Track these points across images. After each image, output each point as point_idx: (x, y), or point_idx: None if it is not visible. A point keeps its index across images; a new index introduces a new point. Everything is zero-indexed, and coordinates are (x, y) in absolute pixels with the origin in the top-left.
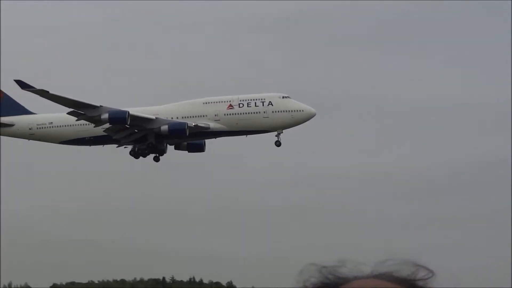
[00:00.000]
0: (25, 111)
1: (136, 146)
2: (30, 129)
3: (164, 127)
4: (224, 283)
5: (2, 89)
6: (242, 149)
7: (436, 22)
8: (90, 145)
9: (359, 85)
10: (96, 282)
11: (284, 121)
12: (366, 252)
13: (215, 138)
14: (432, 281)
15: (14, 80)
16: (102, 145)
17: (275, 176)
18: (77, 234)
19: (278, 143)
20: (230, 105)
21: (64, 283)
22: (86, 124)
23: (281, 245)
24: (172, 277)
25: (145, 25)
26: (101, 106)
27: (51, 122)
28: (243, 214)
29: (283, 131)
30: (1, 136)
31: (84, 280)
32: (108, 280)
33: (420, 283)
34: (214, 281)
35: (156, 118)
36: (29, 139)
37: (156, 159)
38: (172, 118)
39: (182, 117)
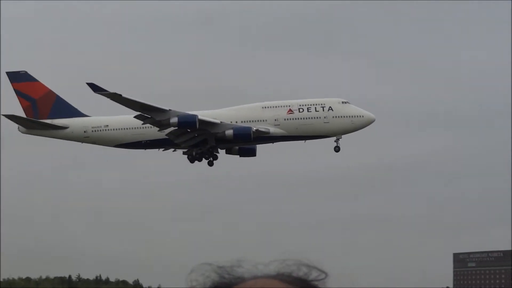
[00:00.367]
0: (78, 113)
1: (193, 150)
2: (85, 132)
3: (229, 132)
4: (130, 281)
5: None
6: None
7: None
8: (145, 149)
9: None
10: (1, 280)
11: (344, 127)
12: (265, 252)
13: (272, 143)
14: (326, 282)
15: (87, 83)
16: (144, 149)
17: None
18: None
19: (337, 149)
20: (290, 110)
21: None
22: (143, 128)
23: (194, 246)
24: (78, 275)
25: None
26: (170, 110)
27: (107, 125)
28: (149, 215)
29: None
30: (53, 139)
31: None
32: (13, 278)
33: (314, 284)
34: (121, 279)
35: (221, 122)
36: (82, 142)
37: (210, 164)
38: (231, 122)
39: (242, 122)
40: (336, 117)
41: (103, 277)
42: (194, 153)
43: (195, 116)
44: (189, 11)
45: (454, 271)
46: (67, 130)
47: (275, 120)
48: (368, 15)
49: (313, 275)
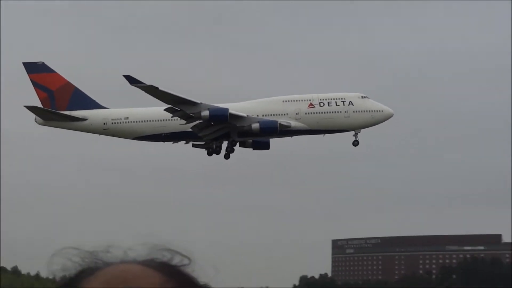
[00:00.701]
0: (97, 105)
1: (214, 143)
2: (104, 123)
3: (256, 125)
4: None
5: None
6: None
7: None
8: (164, 141)
9: None
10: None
11: (365, 121)
12: (133, 238)
13: (291, 136)
14: (190, 267)
15: (123, 76)
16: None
17: None
18: None
19: (356, 143)
20: (311, 104)
21: None
22: (164, 120)
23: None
24: None
25: None
26: (201, 103)
27: (127, 117)
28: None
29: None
30: (71, 131)
31: None
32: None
33: (178, 269)
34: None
35: (247, 116)
36: (100, 134)
37: (227, 157)
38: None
39: (263, 115)
40: (356, 111)
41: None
42: (214, 146)
43: (226, 109)
44: None
45: (332, 258)
46: (86, 122)
47: (296, 114)
48: None
49: (177, 260)
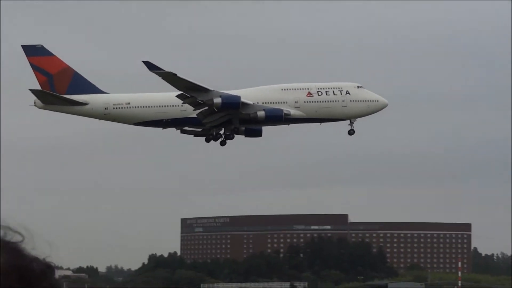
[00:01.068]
0: (97, 90)
1: (214, 130)
2: (105, 108)
3: (261, 113)
4: None
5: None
6: None
7: None
8: (163, 128)
9: None
10: None
11: (361, 110)
12: None
13: (288, 124)
14: (27, 244)
15: (143, 61)
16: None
17: None
18: None
19: (352, 132)
20: (309, 93)
21: None
22: (165, 106)
23: None
24: None
25: None
26: (213, 90)
27: (129, 103)
28: None
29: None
30: (69, 115)
31: None
32: None
33: (10, 244)
34: None
35: (253, 103)
36: (101, 119)
37: (223, 143)
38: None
39: (262, 103)
40: (353, 101)
41: None
42: (214, 133)
43: (239, 97)
44: None
45: (181, 236)
46: (87, 106)
47: (296, 102)
48: None
49: (10, 236)
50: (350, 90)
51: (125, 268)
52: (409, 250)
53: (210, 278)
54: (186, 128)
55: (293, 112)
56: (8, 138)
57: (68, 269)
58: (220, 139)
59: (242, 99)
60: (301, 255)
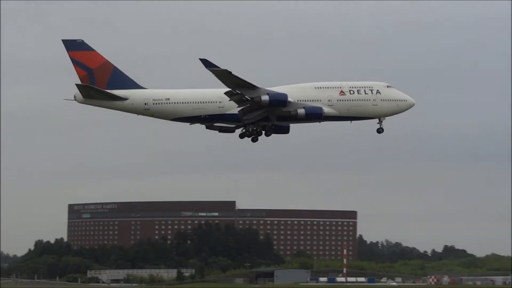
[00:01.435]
0: (136, 85)
1: (250, 126)
2: (145, 104)
3: (301, 111)
4: None
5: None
6: None
7: None
8: (202, 123)
9: None
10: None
11: (390, 109)
12: None
13: (319, 122)
14: None
15: (200, 59)
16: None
17: None
18: None
19: (381, 130)
20: (342, 91)
21: None
22: (204, 102)
23: None
24: None
25: None
26: (261, 87)
27: (168, 98)
28: None
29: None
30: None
31: None
32: None
33: None
34: None
35: (293, 101)
36: (139, 114)
37: (255, 140)
38: None
39: (298, 101)
40: (383, 100)
41: None
42: (251, 129)
43: (285, 95)
44: None
45: (68, 222)
46: (127, 101)
47: (329, 100)
48: None
49: None
50: (380, 89)
51: (11, 254)
52: (295, 237)
53: (97, 265)
54: (219, 124)
55: (327, 110)
56: None
57: None
58: (249, 136)
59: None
60: (189, 242)
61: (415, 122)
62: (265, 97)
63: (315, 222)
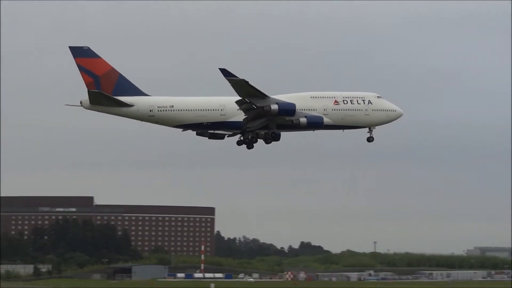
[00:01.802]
0: (140, 92)
1: (250, 134)
2: (150, 111)
3: (303, 120)
4: None
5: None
6: None
7: None
8: (202, 130)
9: None
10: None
11: (380, 119)
12: None
13: (313, 131)
14: None
15: (219, 69)
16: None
17: None
18: None
19: (371, 139)
20: (336, 101)
21: None
22: (206, 110)
23: None
24: None
25: None
26: (270, 97)
27: (172, 106)
28: None
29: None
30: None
31: None
32: None
33: None
34: None
35: (297, 110)
36: (143, 121)
37: (250, 147)
38: None
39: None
40: (374, 110)
41: None
42: (250, 137)
43: (294, 104)
44: None
45: None
46: (133, 108)
47: (324, 109)
48: None
49: None
50: (372, 99)
51: None
52: (153, 233)
53: None
54: (212, 131)
55: (325, 119)
56: None
57: None
58: (247, 143)
59: None
60: (46, 237)
61: None
62: (274, 106)
63: (173, 218)
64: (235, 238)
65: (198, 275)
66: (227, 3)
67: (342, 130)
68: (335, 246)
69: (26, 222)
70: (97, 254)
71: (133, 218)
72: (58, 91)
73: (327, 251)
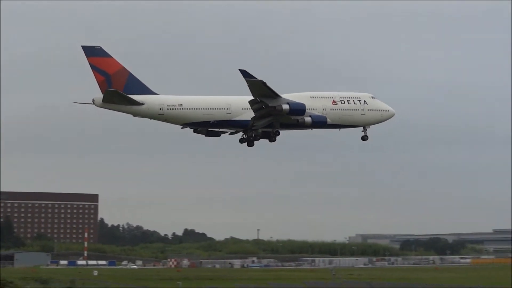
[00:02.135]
0: (149, 91)
1: (254, 132)
2: (160, 109)
3: (308, 119)
4: None
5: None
6: None
7: None
8: (208, 128)
9: None
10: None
11: (375, 119)
12: None
13: (311, 129)
14: None
15: (239, 70)
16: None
17: None
18: None
19: (365, 137)
20: (334, 101)
21: None
22: (213, 109)
23: None
24: None
25: None
26: (281, 97)
27: (181, 104)
28: None
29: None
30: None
31: None
32: None
33: None
34: None
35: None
36: (152, 119)
37: (251, 145)
38: None
39: None
40: (370, 110)
41: None
42: (254, 135)
43: (304, 104)
44: None
45: None
46: (143, 106)
47: (323, 109)
48: None
49: None
50: (367, 100)
51: None
52: (36, 220)
53: None
54: (213, 129)
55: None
56: None
57: None
58: (248, 141)
59: None
60: None
61: None
62: (285, 106)
63: (56, 205)
64: (118, 225)
65: (81, 262)
66: (224, 3)
67: (338, 129)
68: (218, 234)
69: None
70: None
71: (16, 204)
72: None
73: (211, 238)
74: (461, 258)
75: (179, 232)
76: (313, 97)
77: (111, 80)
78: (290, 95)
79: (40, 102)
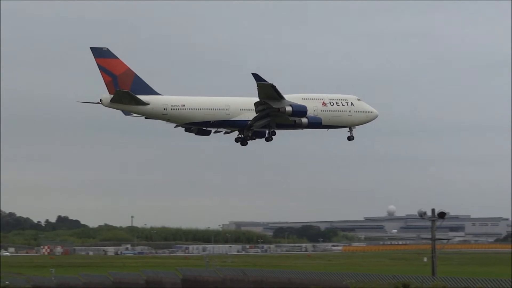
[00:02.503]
0: (153, 92)
1: (247, 132)
2: (164, 109)
3: (305, 120)
4: None
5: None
6: None
7: None
8: (207, 127)
9: None
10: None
11: (360, 120)
12: None
13: (302, 129)
14: None
15: (252, 74)
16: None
17: None
18: None
19: (351, 138)
20: (324, 103)
21: None
22: (213, 109)
23: None
24: None
25: None
26: (285, 99)
27: (184, 104)
28: None
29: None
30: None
31: None
32: None
33: None
34: None
35: None
36: (155, 119)
37: (244, 143)
38: None
39: None
40: (357, 111)
41: None
42: (250, 134)
43: (306, 106)
44: None
45: None
46: (148, 106)
47: (314, 110)
48: None
49: None
50: (353, 101)
51: None
52: None
53: None
54: (210, 129)
55: None
56: None
57: None
58: (243, 140)
59: None
60: None
61: None
62: (289, 108)
63: None
64: None
65: None
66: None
67: (326, 130)
68: (92, 220)
69: None
70: None
71: None
72: None
73: (84, 225)
74: (333, 245)
75: (53, 219)
76: (304, 98)
77: (118, 81)
78: (285, 96)
79: None
